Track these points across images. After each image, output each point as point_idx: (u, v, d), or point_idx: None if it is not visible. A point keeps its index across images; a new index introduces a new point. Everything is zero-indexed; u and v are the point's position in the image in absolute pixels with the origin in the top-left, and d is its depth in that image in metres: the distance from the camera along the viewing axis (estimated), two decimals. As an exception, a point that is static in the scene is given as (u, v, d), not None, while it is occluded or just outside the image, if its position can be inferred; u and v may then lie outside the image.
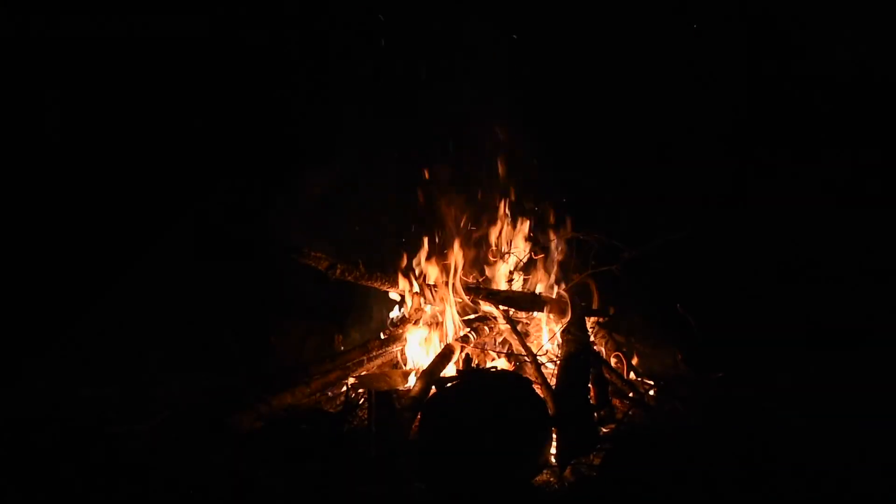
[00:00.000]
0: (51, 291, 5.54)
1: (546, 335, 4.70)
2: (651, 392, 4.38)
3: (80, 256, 5.77)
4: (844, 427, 3.67)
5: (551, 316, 4.72)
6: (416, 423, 3.50)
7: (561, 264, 5.12)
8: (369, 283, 4.94)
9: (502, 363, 4.43)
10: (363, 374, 4.46)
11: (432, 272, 4.90)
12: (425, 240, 5.09)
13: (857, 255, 5.76)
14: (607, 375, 4.24)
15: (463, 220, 5.17)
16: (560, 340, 4.41)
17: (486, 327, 4.65)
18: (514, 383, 3.42)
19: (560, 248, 5.15)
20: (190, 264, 6.00)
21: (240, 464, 3.20)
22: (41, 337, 5.03)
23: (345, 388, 4.33)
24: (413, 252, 5.07)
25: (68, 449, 3.35)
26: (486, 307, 4.73)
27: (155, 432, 3.59)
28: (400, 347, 4.70)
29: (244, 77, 6.14)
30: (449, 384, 3.45)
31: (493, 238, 5.19)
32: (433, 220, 5.21)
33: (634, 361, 4.73)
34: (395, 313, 5.03)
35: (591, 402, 3.82)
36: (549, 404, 3.59)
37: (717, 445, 3.38)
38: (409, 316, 4.85)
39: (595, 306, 4.89)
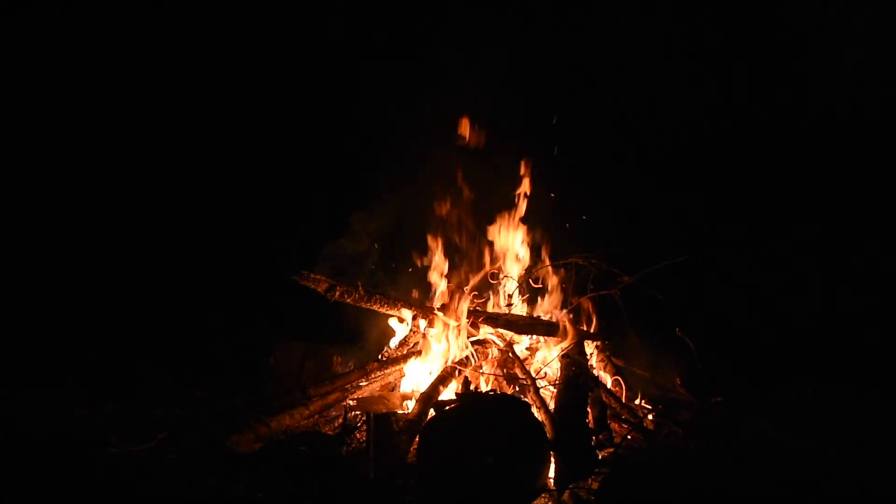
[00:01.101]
0: (49, 310, 5.56)
1: (545, 359, 4.70)
2: (650, 416, 4.37)
3: (77, 275, 5.81)
4: (846, 451, 3.68)
5: (550, 340, 4.72)
6: (415, 446, 3.49)
7: (560, 289, 5.14)
8: (368, 306, 4.94)
9: (501, 386, 4.43)
10: (362, 396, 4.46)
11: (433, 296, 4.92)
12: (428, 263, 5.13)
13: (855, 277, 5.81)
14: (606, 399, 4.24)
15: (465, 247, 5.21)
16: (559, 364, 4.41)
17: (485, 351, 4.65)
18: (512, 407, 3.41)
19: (559, 273, 5.17)
20: (190, 285, 6.03)
21: (238, 485, 3.19)
22: (40, 357, 5.03)
23: (343, 411, 4.32)
24: (415, 275, 5.10)
25: (66, 470, 3.34)
26: (485, 331, 4.74)
27: (153, 453, 3.58)
28: (399, 370, 4.70)
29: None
30: (447, 407, 3.45)
31: (493, 263, 5.22)
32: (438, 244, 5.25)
33: (633, 385, 4.73)
34: (395, 340, 5.05)
35: (590, 425, 3.81)
36: (548, 428, 3.59)
37: (717, 470, 3.37)
38: (409, 339, 4.85)
39: (594, 330, 4.89)
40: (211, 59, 6.31)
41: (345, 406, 4.34)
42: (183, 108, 6.31)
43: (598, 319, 4.93)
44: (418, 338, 4.82)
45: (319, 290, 4.78)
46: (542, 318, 5.01)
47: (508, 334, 4.73)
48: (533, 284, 5.15)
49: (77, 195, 6.03)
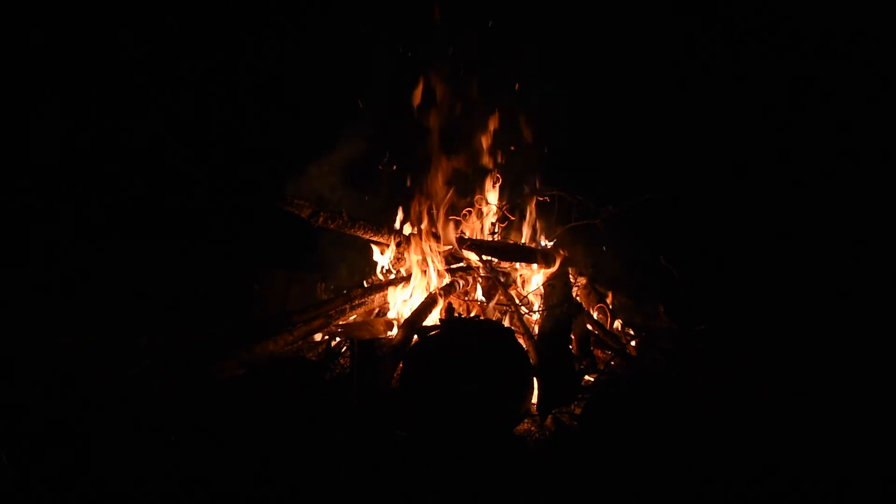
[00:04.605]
0: (33, 238, 5.50)
1: (529, 286, 4.70)
2: (633, 343, 4.41)
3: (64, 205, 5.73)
4: (827, 379, 3.72)
5: (535, 267, 4.72)
6: (398, 372, 3.51)
7: (545, 217, 5.12)
8: (353, 232, 4.90)
9: (485, 313, 4.44)
10: (346, 322, 4.45)
11: (417, 222, 4.88)
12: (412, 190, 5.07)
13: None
14: (589, 326, 4.26)
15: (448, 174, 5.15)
16: (543, 291, 4.41)
17: (469, 277, 4.64)
18: (495, 333, 3.42)
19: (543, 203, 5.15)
20: (174, 214, 5.96)
21: (222, 411, 3.20)
22: (27, 286, 5.00)
23: (327, 337, 4.32)
24: (400, 202, 5.05)
25: (48, 395, 3.33)
26: (470, 257, 4.72)
27: (136, 379, 3.57)
28: (383, 296, 4.69)
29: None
30: (431, 333, 3.45)
31: (477, 191, 5.18)
32: (420, 172, 5.18)
33: (617, 312, 4.75)
34: (378, 259, 5.03)
35: (573, 352, 3.83)
36: (531, 354, 3.60)
37: (698, 396, 3.41)
38: (393, 265, 4.83)
39: (578, 258, 4.88)
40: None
41: (329, 332, 4.34)
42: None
43: (582, 248, 4.92)
44: (403, 264, 4.79)
45: (303, 215, 4.72)
46: (527, 245, 4.99)
47: (494, 260, 4.72)
48: (511, 217, 5.11)
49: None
